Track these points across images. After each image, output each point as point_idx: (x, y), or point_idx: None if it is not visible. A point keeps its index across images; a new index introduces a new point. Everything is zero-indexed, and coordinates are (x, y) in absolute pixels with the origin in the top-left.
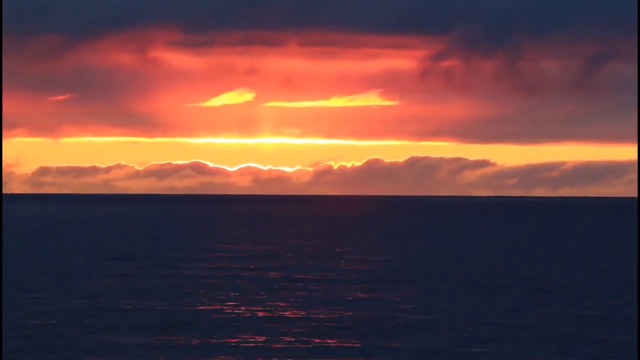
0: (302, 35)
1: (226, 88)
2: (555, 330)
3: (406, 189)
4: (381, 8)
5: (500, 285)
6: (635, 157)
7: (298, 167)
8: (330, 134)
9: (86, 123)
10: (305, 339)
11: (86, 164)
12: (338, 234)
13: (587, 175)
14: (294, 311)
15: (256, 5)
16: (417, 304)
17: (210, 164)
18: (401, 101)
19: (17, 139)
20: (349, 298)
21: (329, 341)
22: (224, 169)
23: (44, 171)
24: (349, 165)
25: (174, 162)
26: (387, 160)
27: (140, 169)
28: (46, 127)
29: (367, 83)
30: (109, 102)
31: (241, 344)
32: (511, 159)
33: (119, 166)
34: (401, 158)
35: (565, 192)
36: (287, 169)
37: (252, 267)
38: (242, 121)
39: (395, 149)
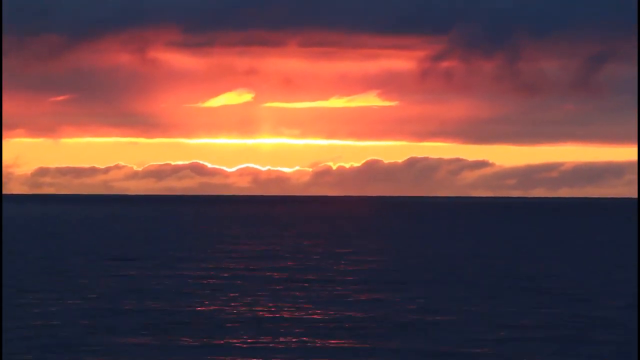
0: (302, 36)
1: (225, 88)
2: (555, 331)
3: (405, 189)
4: (381, 8)
5: (500, 286)
6: (635, 157)
7: (297, 168)
8: (329, 135)
9: (85, 123)
10: (305, 339)
11: (85, 164)
12: (338, 235)
13: (587, 176)
14: (294, 311)
15: (256, 6)
16: (417, 305)
17: (209, 165)
18: (400, 102)
19: (17, 140)
20: (349, 298)
21: (329, 341)
22: (223, 170)
23: (43, 172)
24: (347, 165)
25: (172, 163)
26: (386, 160)
27: (139, 169)
28: (45, 128)
29: (366, 83)
30: (108, 102)
31: (241, 345)
32: (510, 159)
33: (117, 167)
34: (400, 158)
35: (564, 192)
36: (286, 170)
37: (252, 267)
38: (241, 122)
39: (394, 150)
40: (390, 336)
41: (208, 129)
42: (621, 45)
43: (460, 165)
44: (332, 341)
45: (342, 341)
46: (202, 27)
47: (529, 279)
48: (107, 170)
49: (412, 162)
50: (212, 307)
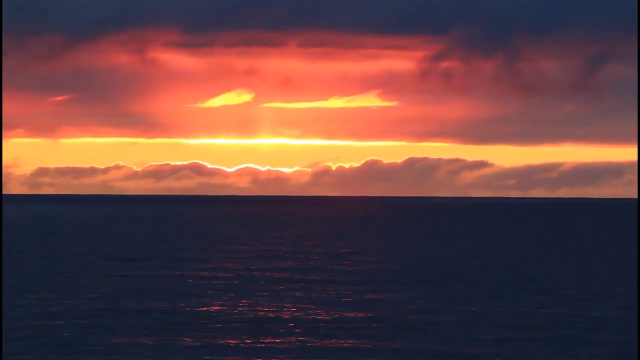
0: (301, 36)
1: (225, 89)
2: (555, 331)
3: (405, 189)
4: (380, 9)
5: (500, 286)
6: (634, 158)
7: (297, 168)
8: (329, 135)
9: (85, 124)
10: (305, 339)
11: (85, 164)
12: (338, 235)
13: (586, 176)
14: (294, 312)
15: (255, 6)
16: (417, 305)
17: (209, 165)
18: (400, 102)
19: (16, 140)
20: (349, 298)
21: (330, 341)
22: (222, 170)
23: (42, 172)
24: (347, 166)
25: (172, 163)
26: (385, 161)
27: (139, 169)
28: (45, 128)
29: (366, 84)
30: (108, 102)
31: (242, 345)
32: (510, 159)
33: (117, 167)
34: (400, 159)
35: (563, 193)
36: (286, 170)
37: (252, 267)
38: (240, 122)
39: (393, 150)
40: (390, 336)
41: (208, 129)
42: (621, 45)
43: (459, 166)
44: (332, 341)
45: (342, 341)
46: (201, 28)
47: (529, 279)
48: (106, 170)
49: (411, 163)
50: (212, 307)
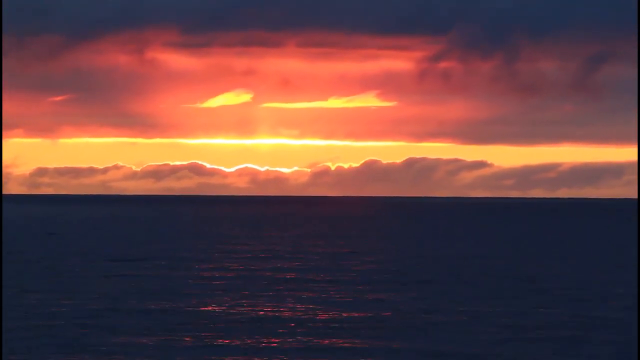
0: (300, 36)
1: (224, 89)
2: (555, 331)
3: (403, 190)
4: (379, 9)
5: (500, 286)
6: (633, 158)
7: (295, 168)
8: (328, 135)
9: (84, 124)
10: (305, 339)
11: (84, 164)
12: (338, 235)
13: (585, 177)
14: (295, 311)
15: (254, 6)
16: (417, 305)
17: (208, 165)
18: (399, 102)
19: (15, 140)
20: (349, 299)
21: (330, 341)
22: (221, 170)
23: (41, 172)
24: (346, 166)
25: (171, 163)
26: (384, 161)
27: (138, 169)
28: (44, 128)
29: (365, 84)
30: (107, 102)
31: (242, 345)
32: (508, 160)
33: (116, 167)
34: (398, 159)
35: (562, 193)
36: (285, 170)
37: (252, 267)
38: (239, 122)
39: (392, 150)
40: (390, 336)
41: (206, 129)
42: (621, 45)
43: (458, 166)
44: (332, 341)
45: (342, 341)
46: (201, 28)
47: (529, 279)
48: (105, 170)
49: (410, 163)
50: (212, 307)
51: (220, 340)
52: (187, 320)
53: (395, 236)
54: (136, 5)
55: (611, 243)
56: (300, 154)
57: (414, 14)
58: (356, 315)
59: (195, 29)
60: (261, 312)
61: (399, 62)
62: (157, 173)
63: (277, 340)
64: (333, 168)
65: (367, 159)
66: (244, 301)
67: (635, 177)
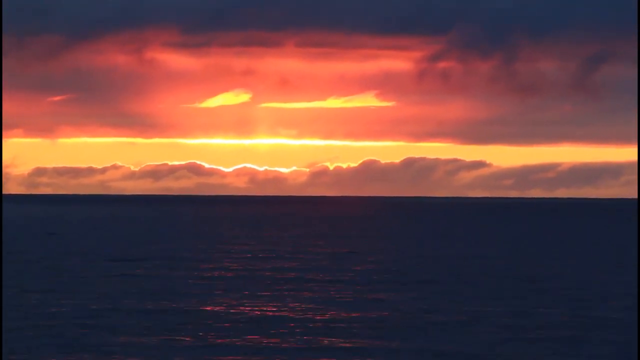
0: (299, 36)
1: (223, 89)
2: (555, 331)
3: (402, 190)
4: (378, 9)
5: (500, 286)
6: (632, 158)
7: (294, 168)
8: (326, 135)
9: (83, 124)
10: (305, 339)
11: (82, 164)
12: (338, 235)
13: (584, 177)
14: (294, 311)
15: (254, 6)
16: (417, 305)
17: (206, 165)
18: (398, 102)
19: (14, 140)
20: (349, 299)
21: (329, 341)
22: (220, 170)
23: (40, 172)
24: (344, 166)
25: (170, 163)
26: (383, 161)
27: (137, 169)
28: (43, 128)
29: (364, 84)
30: (106, 102)
31: (242, 344)
32: (507, 160)
33: (115, 167)
34: (397, 159)
35: (561, 193)
36: (283, 170)
37: (252, 267)
38: (238, 122)
39: (391, 150)
40: (390, 336)
41: (205, 129)
42: (621, 45)
43: (457, 166)
44: (332, 341)
45: (342, 341)
46: (200, 28)
47: (529, 279)
48: (104, 170)
49: (409, 163)
50: (212, 307)
51: (220, 340)
52: (187, 320)
53: (395, 236)
54: (136, 5)
55: (611, 243)
56: (299, 154)
57: (413, 14)
58: (356, 315)
59: (194, 29)
60: (261, 312)
61: (398, 62)
62: (155, 173)
63: (277, 340)
64: (332, 168)
65: (365, 158)
66: (244, 301)
67: (635, 177)
